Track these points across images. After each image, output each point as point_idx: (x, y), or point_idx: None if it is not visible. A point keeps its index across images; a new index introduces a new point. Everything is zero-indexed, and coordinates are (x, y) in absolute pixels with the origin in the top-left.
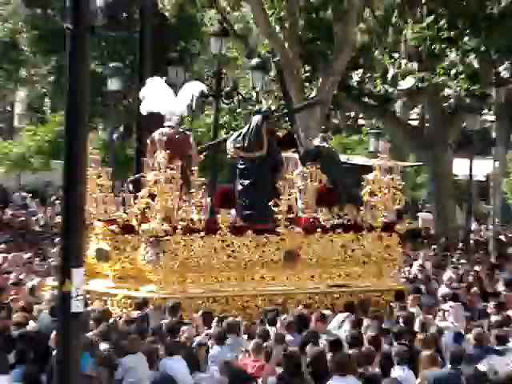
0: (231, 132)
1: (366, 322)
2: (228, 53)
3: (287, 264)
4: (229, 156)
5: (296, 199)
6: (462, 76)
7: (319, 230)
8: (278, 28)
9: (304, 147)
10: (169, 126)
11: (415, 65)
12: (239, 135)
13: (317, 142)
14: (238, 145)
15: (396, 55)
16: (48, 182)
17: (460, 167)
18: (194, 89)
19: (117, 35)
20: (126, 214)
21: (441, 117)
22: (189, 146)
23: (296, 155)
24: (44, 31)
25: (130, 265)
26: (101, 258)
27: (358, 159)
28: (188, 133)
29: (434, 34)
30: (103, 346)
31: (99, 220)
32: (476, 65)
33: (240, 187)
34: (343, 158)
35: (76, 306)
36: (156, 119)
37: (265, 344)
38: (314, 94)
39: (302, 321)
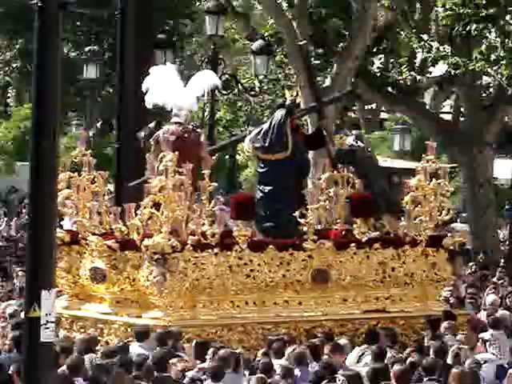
0: (244, 130)
1: (390, 353)
2: (226, 34)
3: (316, 285)
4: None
5: (325, 209)
6: (504, 62)
7: (353, 244)
8: (284, 4)
9: (336, 147)
10: (176, 123)
11: (448, 48)
12: (259, 132)
13: (350, 140)
14: (257, 144)
15: (425, 37)
16: (12, 188)
17: (502, 169)
18: (206, 80)
19: (94, 13)
20: (126, 226)
21: (478, 110)
22: (200, 146)
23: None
24: (7, 9)
25: (131, 287)
26: (96, 278)
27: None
28: (199, 130)
29: (470, 11)
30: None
31: (94, 234)
32: None
33: (260, 194)
34: None
35: (45, 335)
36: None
37: (269, 380)
38: (327, 82)
39: (313, 352)
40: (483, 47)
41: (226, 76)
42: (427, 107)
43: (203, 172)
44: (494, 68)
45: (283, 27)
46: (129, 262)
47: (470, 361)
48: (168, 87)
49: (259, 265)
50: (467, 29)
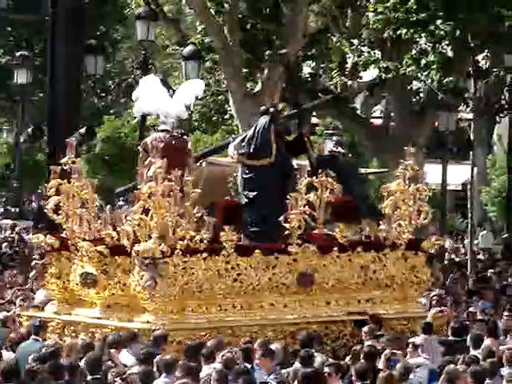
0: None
1: (319, 357)
2: (156, 39)
3: (300, 288)
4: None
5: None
6: (434, 66)
7: (336, 248)
8: (214, 10)
9: (316, 153)
10: (164, 130)
11: (378, 53)
12: (243, 139)
13: (331, 146)
14: (241, 151)
15: (356, 42)
16: None
17: (432, 174)
18: (193, 88)
19: (24, 18)
20: (117, 232)
21: (409, 114)
22: (188, 153)
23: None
24: None
25: (121, 291)
26: (87, 283)
27: None
28: (186, 138)
29: (401, 15)
30: None
31: (84, 240)
32: (450, 53)
33: (245, 200)
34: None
35: None
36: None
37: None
38: (258, 87)
39: (245, 356)
40: (414, 52)
41: None
42: (358, 112)
43: (187, 179)
44: (425, 73)
45: (214, 33)
46: (119, 267)
47: (401, 365)
48: (156, 96)
49: (246, 269)
50: (398, 33)
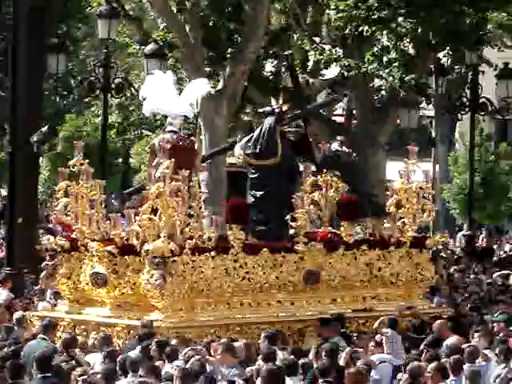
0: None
1: (281, 354)
2: (118, 38)
3: (307, 286)
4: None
5: (311, 212)
6: (396, 64)
7: (342, 246)
8: (176, 8)
9: (321, 152)
10: (171, 131)
11: (340, 51)
12: (249, 140)
13: (335, 146)
14: (248, 151)
15: (318, 40)
16: None
17: (394, 171)
18: (199, 87)
19: None
20: (126, 232)
21: (371, 112)
22: (195, 153)
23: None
24: None
25: (131, 290)
26: (97, 283)
27: None
28: (193, 139)
29: (362, 13)
30: None
31: (94, 240)
32: (412, 51)
33: (252, 199)
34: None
35: None
36: None
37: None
38: (220, 85)
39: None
40: (375, 49)
41: (119, 79)
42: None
43: (194, 179)
44: (386, 70)
45: (175, 31)
46: (129, 267)
47: (362, 361)
48: (163, 95)
49: (254, 267)
50: (359, 31)
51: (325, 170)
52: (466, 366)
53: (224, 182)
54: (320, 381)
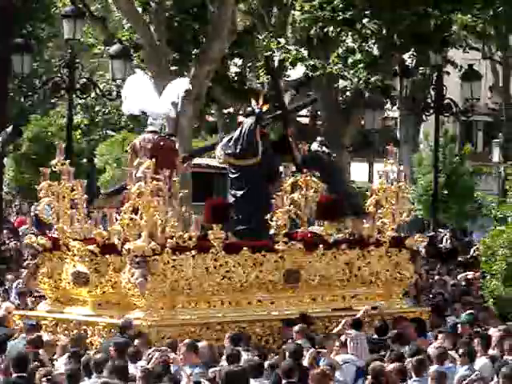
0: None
1: (245, 355)
2: (83, 38)
3: (287, 285)
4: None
5: (290, 212)
6: (361, 65)
7: (321, 246)
8: (141, 8)
9: (301, 153)
10: (152, 131)
11: (305, 51)
12: (230, 140)
13: (315, 146)
14: (228, 151)
15: (282, 40)
16: None
17: (358, 172)
18: (179, 87)
19: None
20: (107, 231)
21: (335, 113)
22: (175, 153)
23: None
24: None
25: (113, 289)
26: (78, 282)
27: None
28: (173, 139)
29: (327, 14)
30: None
31: (75, 239)
32: (376, 52)
33: (232, 199)
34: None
35: None
36: None
37: None
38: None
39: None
40: (340, 50)
41: (84, 80)
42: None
43: (175, 179)
44: (351, 71)
45: (140, 31)
46: (110, 266)
47: (326, 362)
48: (144, 95)
49: (234, 266)
50: (324, 32)
51: (305, 171)
52: (433, 367)
53: (190, 183)
54: (284, 382)
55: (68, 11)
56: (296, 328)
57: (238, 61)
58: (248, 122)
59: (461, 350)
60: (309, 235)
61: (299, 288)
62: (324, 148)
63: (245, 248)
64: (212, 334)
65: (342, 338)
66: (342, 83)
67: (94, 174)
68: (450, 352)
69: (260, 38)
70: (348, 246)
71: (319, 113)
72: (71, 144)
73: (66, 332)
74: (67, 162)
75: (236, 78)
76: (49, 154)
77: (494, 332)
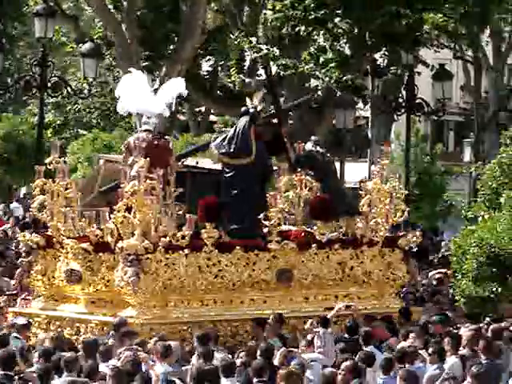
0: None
1: (218, 355)
2: (55, 36)
3: (280, 284)
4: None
5: (284, 211)
6: (332, 64)
7: (314, 245)
8: (112, 7)
9: (295, 152)
10: (146, 130)
11: (277, 50)
12: (224, 139)
13: (309, 146)
14: (222, 150)
15: (254, 39)
16: None
17: None
18: (175, 87)
19: None
20: (100, 229)
21: (307, 112)
22: (169, 152)
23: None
24: None
25: (105, 287)
26: (71, 279)
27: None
28: (167, 138)
29: (299, 13)
30: None
31: (69, 237)
32: (348, 51)
33: (225, 198)
34: (193, 161)
35: None
36: None
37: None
38: (156, 85)
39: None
40: (312, 49)
41: (55, 78)
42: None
43: (169, 178)
44: (323, 70)
45: (112, 29)
46: (103, 264)
47: (296, 361)
48: (139, 94)
49: (227, 265)
50: (296, 31)
51: (299, 170)
52: (405, 367)
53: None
54: (255, 380)
55: (40, 9)
56: (268, 327)
57: (210, 60)
58: (242, 121)
59: (431, 349)
60: (302, 234)
61: (292, 287)
62: (318, 148)
63: (238, 247)
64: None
65: (309, 336)
66: (313, 82)
67: None
68: (420, 351)
69: (232, 36)
70: (341, 245)
71: (291, 112)
72: (42, 143)
73: (59, 330)
74: (62, 159)
75: (208, 77)
76: (20, 152)
77: (465, 332)
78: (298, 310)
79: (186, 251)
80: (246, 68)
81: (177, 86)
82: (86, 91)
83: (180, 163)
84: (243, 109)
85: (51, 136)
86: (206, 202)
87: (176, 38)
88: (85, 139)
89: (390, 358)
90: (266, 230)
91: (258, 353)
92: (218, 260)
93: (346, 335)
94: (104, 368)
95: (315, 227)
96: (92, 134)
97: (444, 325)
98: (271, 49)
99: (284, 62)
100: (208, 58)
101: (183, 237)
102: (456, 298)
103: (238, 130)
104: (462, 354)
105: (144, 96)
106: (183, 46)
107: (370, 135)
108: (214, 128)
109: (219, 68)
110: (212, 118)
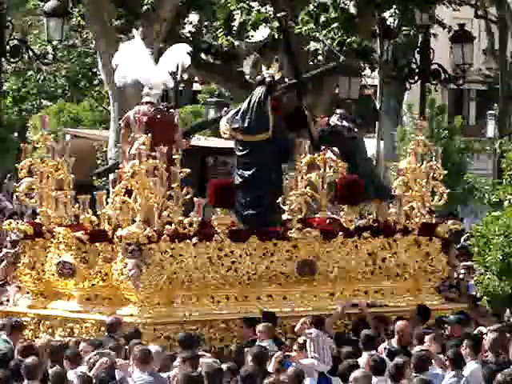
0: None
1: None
2: None
3: (302, 278)
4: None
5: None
6: (335, 24)
7: (341, 233)
8: None
9: (318, 127)
10: (148, 103)
11: (270, 9)
12: (237, 112)
13: (334, 120)
14: (235, 125)
15: None
16: None
17: None
18: (179, 53)
19: None
20: (97, 216)
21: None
22: (174, 127)
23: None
24: None
25: (103, 282)
26: (64, 273)
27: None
28: (173, 111)
29: None
30: None
31: (60, 225)
32: (353, 9)
33: (239, 180)
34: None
35: None
36: None
37: None
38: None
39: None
40: (311, 8)
41: (15, 42)
42: (246, 77)
43: (175, 157)
44: (324, 32)
45: None
46: (100, 255)
47: (292, 369)
48: (138, 63)
49: (241, 256)
50: None
51: (323, 148)
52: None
53: None
54: None
55: None
56: (260, 327)
57: (194, 19)
58: (257, 91)
59: (448, 354)
60: (327, 221)
61: (315, 281)
62: (345, 122)
63: (253, 235)
64: (216, 333)
65: (300, 339)
66: (313, 45)
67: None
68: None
69: None
70: (371, 233)
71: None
72: (0, 115)
73: (50, 330)
74: (51, 136)
75: (191, 39)
76: None
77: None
78: (323, 308)
79: (195, 240)
80: (234, 29)
81: (181, 52)
82: (50, 56)
83: (187, 140)
84: (258, 78)
85: (10, 107)
86: (218, 183)
87: None
88: (49, 111)
89: (401, 364)
90: (285, 216)
91: (249, 358)
92: (230, 250)
93: (352, 335)
94: (72, 376)
95: (342, 213)
96: (57, 106)
97: (463, 325)
98: (263, 8)
99: (278, 25)
100: (191, 17)
101: (191, 224)
102: (478, 295)
103: (252, 102)
104: (483, 358)
105: (145, 65)
106: (162, 4)
107: (378, 106)
108: (197, 98)
109: (204, 29)
110: (196, 86)
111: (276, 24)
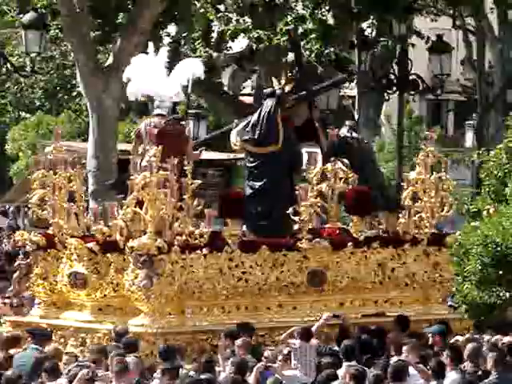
0: None
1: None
2: None
3: (311, 288)
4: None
5: (317, 206)
6: (313, 35)
7: (350, 244)
8: None
9: (328, 139)
10: (159, 115)
11: (248, 20)
12: (247, 124)
13: (344, 131)
14: (245, 137)
15: (222, 7)
16: None
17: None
18: (190, 68)
19: None
20: (108, 227)
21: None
22: (185, 140)
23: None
24: None
25: (114, 292)
26: (76, 284)
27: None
28: (183, 123)
29: None
30: None
31: (73, 236)
32: (331, 20)
33: (249, 191)
34: None
35: None
36: None
37: None
38: (110, 60)
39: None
40: (289, 19)
41: None
42: (225, 88)
43: (186, 168)
44: (302, 43)
45: None
46: (111, 266)
47: (271, 380)
48: (150, 77)
49: (251, 267)
50: None
51: (333, 159)
52: None
53: (114, 173)
54: None
55: None
56: (238, 342)
57: (172, 31)
58: (267, 103)
59: (430, 364)
60: (336, 232)
61: (325, 291)
62: (354, 133)
63: (264, 246)
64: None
65: (285, 350)
66: (291, 56)
67: (6, 162)
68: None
69: (197, 4)
70: (381, 244)
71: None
72: None
73: (62, 340)
74: (64, 148)
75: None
76: None
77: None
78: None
79: (205, 251)
80: (213, 41)
81: (192, 66)
82: (28, 68)
83: (198, 152)
84: (268, 90)
85: None
86: (228, 194)
87: (132, 6)
88: (27, 123)
89: (379, 375)
90: (295, 226)
91: (231, 369)
92: (241, 261)
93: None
94: None
95: (351, 223)
96: (36, 118)
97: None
98: (242, 19)
99: (256, 34)
100: (170, 29)
101: (201, 235)
102: (457, 304)
103: (262, 114)
104: (463, 368)
105: (156, 78)
106: (140, 15)
107: (356, 117)
108: (177, 110)
109: (182, 41)
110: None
111: (255, 34)
